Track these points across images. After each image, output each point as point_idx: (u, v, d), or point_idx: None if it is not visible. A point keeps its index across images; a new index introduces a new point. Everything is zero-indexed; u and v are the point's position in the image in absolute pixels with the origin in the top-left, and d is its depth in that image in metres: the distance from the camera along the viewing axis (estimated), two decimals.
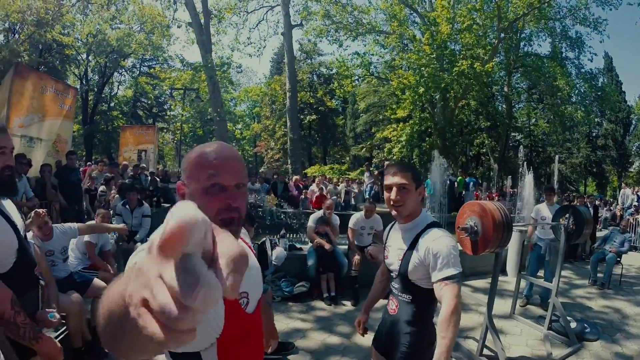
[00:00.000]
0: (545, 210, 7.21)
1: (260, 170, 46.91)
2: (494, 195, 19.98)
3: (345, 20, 24.80)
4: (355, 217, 7.12)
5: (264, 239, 7.03)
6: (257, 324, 1.51)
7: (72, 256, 5.33)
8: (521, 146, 20.50)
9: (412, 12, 26.49)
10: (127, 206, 7.04)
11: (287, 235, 10.51)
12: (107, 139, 36.66)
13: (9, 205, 2.35)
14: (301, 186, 14.97)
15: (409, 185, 2.34)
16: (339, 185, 15.18)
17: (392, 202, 2.39)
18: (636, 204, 17.27)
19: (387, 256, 2.61)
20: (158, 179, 12.73)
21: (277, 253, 6.60)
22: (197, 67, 19.95)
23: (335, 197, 14.42)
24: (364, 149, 43.48)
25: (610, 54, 46.79)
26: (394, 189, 2.36)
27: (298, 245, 7.34)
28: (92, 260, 5.49)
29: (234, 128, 28.31)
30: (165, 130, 43.73)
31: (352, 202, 14.87)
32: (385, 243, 2.68)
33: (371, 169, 17.96)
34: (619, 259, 9.04)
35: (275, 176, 15.60)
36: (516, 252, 8.78)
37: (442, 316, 2.15)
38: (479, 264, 8.87)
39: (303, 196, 14.21)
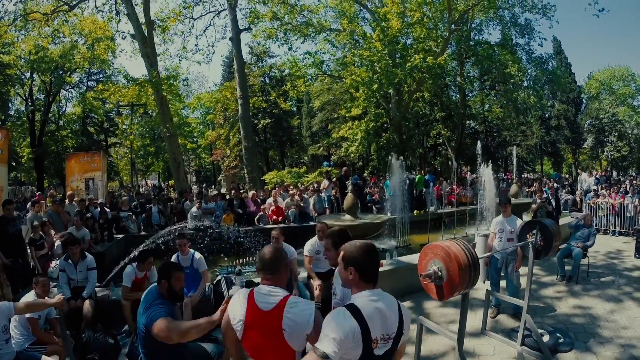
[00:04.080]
0: (502, 223, 7.05)
1: (218, 179, 46.18)
2: (454, 187, 20.02)
3: (294, 21, 24.32)
4: (310, 243, 6.74)
5: (218, 277, 6.61)
6: None
7: (16, 333, 4.94)
8: (478, 141, 20.70)
9: (361, 8, 26.26)
10: (70, 260, 6.44)
11: (248, 259, 10.14)
12: (58, 161, 35.24)
13: None
14: (259, 201, 14.52)
15: None
16: (295, 197, 14.75)
17: None
18: (595, 187, 17.57)
19: None
20: (107, 209, 12.09)
21: (234, 293, 6.18)
22: (143, 82, 19.12)
23: (293, 208, 14.06)
24: (321, 149, 43.30)
25: (558, 38, 48.24)
26: None
27: (256, 281, 6.92)
28: (36, 336, 5.08)
29: (186, 141, 27.55)
30: (118, 145, 42.42)
31: (312, 212, 14.50)
32: None
33: (329, 171, 17.67)
34: (585, 252, 9.04)
35: (232, 191, 15.11)
36: (482, 255, 8.61)
37: None
38: None
39: (261, 212, 13.79)
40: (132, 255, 7.48)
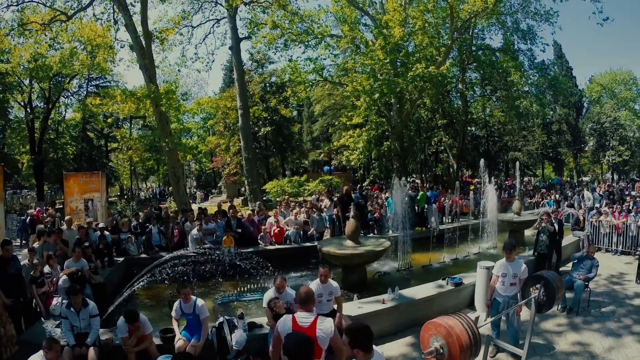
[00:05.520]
0: (506, 267, 6.95)
1: (218, 184, 46.04)
2: (458, 199, 19.94)
3: (294, 28, 24.05)
4: (312, 286, 6.69)
5: (220, 319, 6.56)
6: None
7: None
8: (482, 159, 20.73)
9: (362, 14, 26.05)
10: (72, 308, 6.35)
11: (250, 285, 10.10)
12: (58, 167, 35.06)
13: None
14: (256, 221, 14.37)
15: None
16: (299, 215, 14.61)
17: None
18: (597, 205, 17.50)
19: None
20: (107, 232, 11.99)
21: (237, 337, 6.17)
22: (141, 97, 18.82)
23: (295, 228, 13.96)
24: (322, 154, 43.13)
25: (559, 42, 48.34)
26: None
27: (258, 322, 6.86)
28: None
29: (185, 154, 27.13)
30: (118, 150, 42.11)
31: (313, 231, 14.39)
32: None
33: (330, 189, 17.62)
34: (587, 283, 8.99)
35: (231, 209, 14.99)
36: (483, 287, 8.60)
37: None
38: (446, 301, 8.66)
39: (262, 233, 13.69)
40: (122, 298, 7.48)
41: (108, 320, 7.35)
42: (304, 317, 4.07)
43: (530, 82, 31.53)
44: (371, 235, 14.66)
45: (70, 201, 15.17)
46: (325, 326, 3.97)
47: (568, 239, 13.65)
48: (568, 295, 8.78)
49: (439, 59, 23.73)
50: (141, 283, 7.92)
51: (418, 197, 17.09)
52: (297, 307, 4.31)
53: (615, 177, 46.58)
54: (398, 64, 23.65)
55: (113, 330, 6.61)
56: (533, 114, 33.77)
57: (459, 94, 34.32)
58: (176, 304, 6.45)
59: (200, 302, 6.38)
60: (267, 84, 38.12)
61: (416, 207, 16.97)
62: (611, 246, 14.34)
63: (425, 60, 22.67)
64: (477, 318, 4.16)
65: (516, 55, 30.09)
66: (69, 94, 38.08)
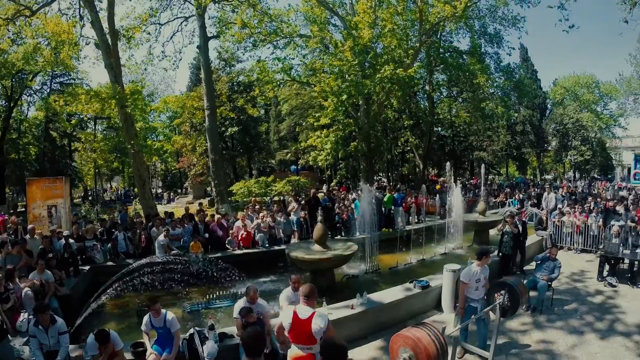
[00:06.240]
0: (478, 273, 7.05)
1: (185, 185, 45.40)
2: (422, 199, 20.17)
3: (262, 27, 23.79)
4: (285, 294, 6.67)
5: (191, 331, 6.51)
6: None
7: None
8: (447, 162, 21.00)
9: (332, 15, 25.98)
10: (41, 326, 6.15)
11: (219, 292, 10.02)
12: (20, 169, 34.05)
13: None
14: (225, 225, 14.23)
15: None
16: (266, 219, 14.46)
17: None
18: (560, 206, 17.96)
19: None
20: (72, 240, 11.68)
21: (209, 349, 6.13)
22: (106, 98, 18.32)
23: (262, 234, 13.88)
24: (289, 154, 43.04)
25: (525, 45, 49.27)
26: None
27: (229, 332, 6.81)
28: None
29: (149, 157, 26.43)
30: (82, 151, 41.04)
31: (281, 234, 14.40)
32: None
33: (297, 193, 17.54)
34: (549, 283, 9.23)
35: (200, 213, 14.83)
36: (450, 289, 8.76)
37: None
38: (413, 304, 8.79)
39: (230, 237, 13.60)
40: (89, 311, 7.35)
41: (75, 334, 7.18)
42: (304, 311, 4.62)
43: (496, 85, 32.18)
44: (339, 237, 14.75)
45: (33, 208, 14.57)
46: (318, 322, 4.50)
47: (532, 239, 14.01)
48: (532, 294, 9.01)
49: (407, 61, 23.88)
50: (107, 295, 7.75)
51: (385, 199, 17.28)
52: (302, 300, 4.80)
53: (577, 175, 47.98)
54: (366, 65, 23.71)
55: (83, 346, 6.45)
56: (498, 115, 34.43)
57: (425, 95, 34.82)
58: (146, 318, 6.36)
59: (170, 315, 6.31)
60: (235, 83, 37.64)
61: (383, 209, 17.16)
62: (573, 245, 14.81)
63: (393, 62, 22.72)
64: (444, 328, 4.26)
65: (483, 58, 30.64)
66: (32, 92, 37.11)
